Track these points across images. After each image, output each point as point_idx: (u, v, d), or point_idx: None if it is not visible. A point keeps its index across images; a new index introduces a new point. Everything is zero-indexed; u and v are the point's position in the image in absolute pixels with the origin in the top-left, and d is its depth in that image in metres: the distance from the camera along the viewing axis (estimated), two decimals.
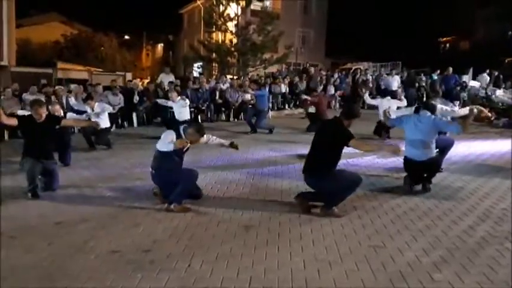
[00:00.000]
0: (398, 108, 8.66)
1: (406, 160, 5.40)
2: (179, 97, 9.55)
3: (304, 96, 11.74)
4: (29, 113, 7.11)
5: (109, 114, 8.57)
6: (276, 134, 10.05)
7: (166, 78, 14.01)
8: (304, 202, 4.58)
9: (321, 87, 14.28)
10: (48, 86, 11.96)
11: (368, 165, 6.76)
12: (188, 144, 4.66)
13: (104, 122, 8.09)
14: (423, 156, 5.21)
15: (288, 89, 15.51)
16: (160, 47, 48.75)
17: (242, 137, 9.69)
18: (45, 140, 5.31)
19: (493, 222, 4.32)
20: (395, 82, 15.96)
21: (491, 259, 3.47)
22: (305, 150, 7.54)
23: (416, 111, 6.36)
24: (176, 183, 4.53)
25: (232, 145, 5.19)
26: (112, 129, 8.76)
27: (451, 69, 15.97)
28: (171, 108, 9.63)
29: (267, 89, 12.94)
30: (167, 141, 4.52)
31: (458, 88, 15.01)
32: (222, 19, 19.39)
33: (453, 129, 5.33)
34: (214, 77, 18.99)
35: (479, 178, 6.11)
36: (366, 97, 10.87)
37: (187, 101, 9.63)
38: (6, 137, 9.18)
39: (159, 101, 10.36)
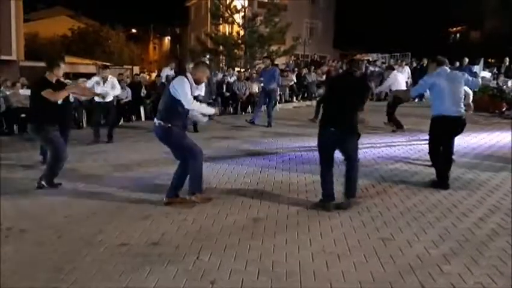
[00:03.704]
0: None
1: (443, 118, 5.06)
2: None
3: None
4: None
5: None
6: (284, 126, 10.01)
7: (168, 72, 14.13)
8: None
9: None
10: None
11: (376, 157, 6.74)
12: None
13: (110, 96, 8.15)
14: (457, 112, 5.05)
15: (296, 81, 15.42)
16: (167, 40, 48.78)
17: (249, 129, 9.67)
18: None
19: (503, 214, 4.27)
20: (405, 74, 15.63)
21: (501, 251, 3.43)
22: (313, 142, 7.56)
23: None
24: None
25: None
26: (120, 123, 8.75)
27: (466, 59, 14.87)
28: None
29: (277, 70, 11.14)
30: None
31: None
32: (228, 11, 19.34)
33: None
34: (221, 69, 18.97)
35: (489, 170, 6.04)
36: (375, 91, 10.47)
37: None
38: (15, 130, 9.28)
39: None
